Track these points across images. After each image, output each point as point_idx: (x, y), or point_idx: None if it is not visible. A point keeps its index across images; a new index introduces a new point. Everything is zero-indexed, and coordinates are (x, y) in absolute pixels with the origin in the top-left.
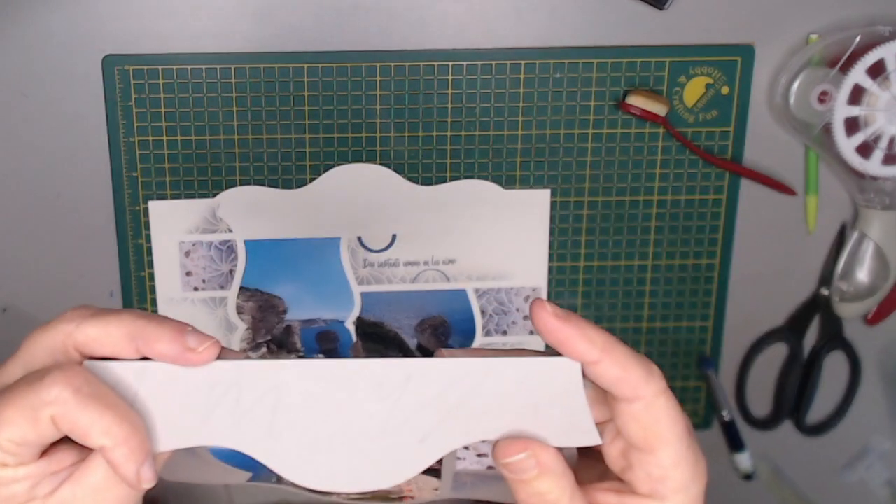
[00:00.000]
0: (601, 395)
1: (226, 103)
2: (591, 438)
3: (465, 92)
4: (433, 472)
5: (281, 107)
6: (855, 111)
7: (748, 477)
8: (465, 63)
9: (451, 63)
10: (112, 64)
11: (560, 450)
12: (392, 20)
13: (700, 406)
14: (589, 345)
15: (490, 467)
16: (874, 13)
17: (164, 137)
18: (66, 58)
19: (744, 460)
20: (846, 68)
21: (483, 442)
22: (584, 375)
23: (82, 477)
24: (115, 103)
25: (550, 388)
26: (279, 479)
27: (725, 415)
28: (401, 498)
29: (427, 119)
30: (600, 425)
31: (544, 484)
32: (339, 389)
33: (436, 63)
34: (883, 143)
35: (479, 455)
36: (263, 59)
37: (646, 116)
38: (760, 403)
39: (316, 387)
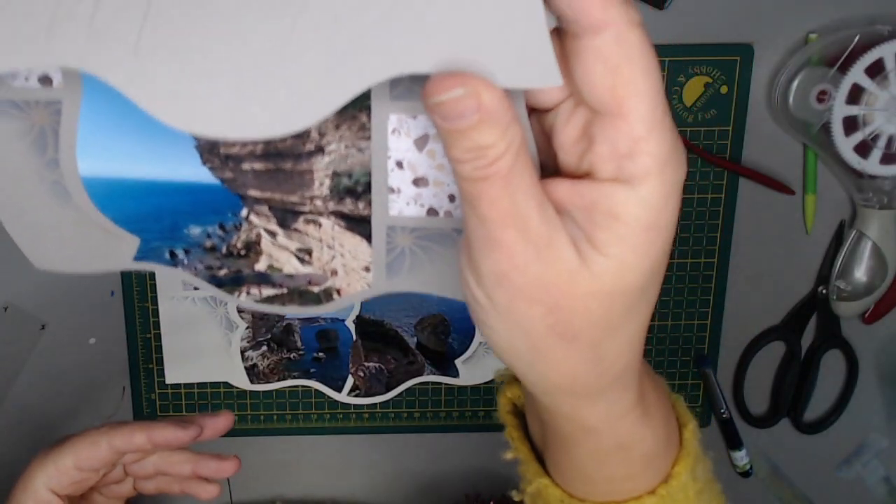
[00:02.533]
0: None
1: None
2: (549, 77)
3: None
4: (360, 227)
5: None
6: (854, 110)
7: (746, 474)
8: None
9: None
10: None
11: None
12: None
13: (698, 404)
14: None
15: (431, 210)
16: (873, 13)
17: None
18: None
19: (741, 458)
20: (845, 68)
21: (412, 81)
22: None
23: None
24: None
25: (501, 5)
26: (173, 259)
27: (723, 412)
28: (328, 296)
29: None
30: (551, 110)
31: (485, 134)
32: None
33: None
34: (881, 143)
35: (415, 182)
36: None
37: None
38: (758, 401)
39: None
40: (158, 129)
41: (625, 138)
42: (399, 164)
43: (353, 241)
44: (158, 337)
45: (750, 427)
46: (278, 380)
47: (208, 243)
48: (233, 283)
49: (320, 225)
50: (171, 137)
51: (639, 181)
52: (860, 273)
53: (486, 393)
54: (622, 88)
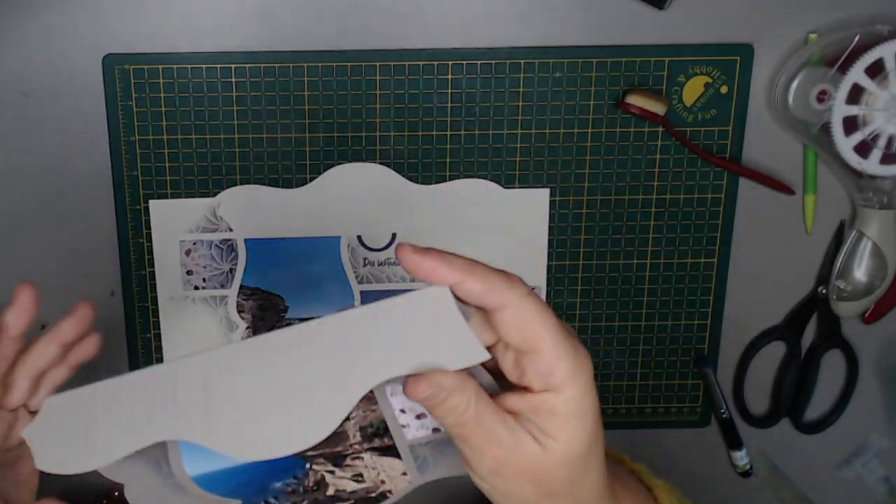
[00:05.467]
0: (485, 319)
1: (226, 103)
2: (479, 355)
3: (465, 91)
4: (390, 452)
5: (281, 106)
6: (854, 110)
7: (746, 474)
8: (464, 63)
9: (450, 63)
10: (112, 63)
11: (470, 373)
12: (392, 20)
13: (698, 404)
14: (450, 268)
15: (436, 429)
16: (873, 13)
17: (165, 137)
18: (67, 57)
19: (741, 457)
20: (845, 68)
21: (393, 381)
22: (461, 302)
23: None
24: (115, 103)
25: (433, 317)
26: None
27: (723, 412)
28: (383, 496)
29: (427, 118)
30: (492, 348)
31: (452, 401)
32: (259, 364)
33: (436, 63)
34: (881, 143)
35: (417, 416)
36: (263, 59)
37: (645, 116)
38: (758, 401)
39: (240, 363)
40: None
41: (543, 365)
42: (402, 411)
43: (388, 461)
44: (158, 337)
45: (750, 427)
46: None
47: (289, 489)
48: None
49: (362, 458)
50: None
51: (560, 389)
52: (860, 273)
53: None
54: (530, 339)
